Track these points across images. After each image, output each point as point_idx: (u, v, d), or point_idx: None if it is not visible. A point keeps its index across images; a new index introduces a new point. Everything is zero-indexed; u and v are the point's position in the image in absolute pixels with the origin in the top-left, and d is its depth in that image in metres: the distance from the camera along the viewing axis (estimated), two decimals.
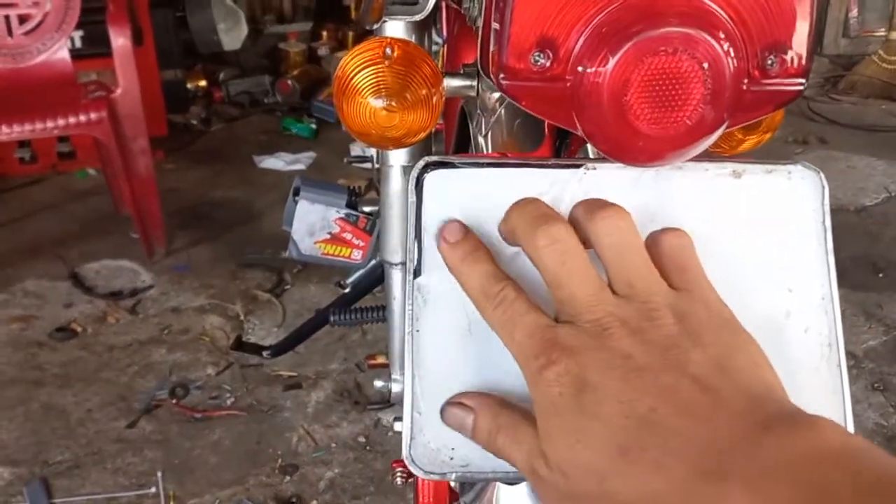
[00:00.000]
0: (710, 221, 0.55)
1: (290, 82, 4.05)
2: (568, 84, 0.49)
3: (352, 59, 0.63)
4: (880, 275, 2.42)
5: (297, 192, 1.78)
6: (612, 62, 0.47)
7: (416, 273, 0.55)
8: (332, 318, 1.42)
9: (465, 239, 0.50)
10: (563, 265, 0.44)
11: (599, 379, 0.40)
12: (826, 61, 4.75)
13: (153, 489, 1.64)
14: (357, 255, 1.78)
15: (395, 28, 0.87)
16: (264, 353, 1.91)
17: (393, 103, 0.63)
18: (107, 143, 2.43)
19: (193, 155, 3.55)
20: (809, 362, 0.51)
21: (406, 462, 0.51)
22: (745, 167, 0.57)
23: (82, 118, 2.36)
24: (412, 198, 0.56)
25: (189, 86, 4.00)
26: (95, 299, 2.41)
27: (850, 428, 0.53)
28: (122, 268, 2.59)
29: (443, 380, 0.53)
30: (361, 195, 1.72)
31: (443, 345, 0.53)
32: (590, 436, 0.39)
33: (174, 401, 1.92)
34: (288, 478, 1.68)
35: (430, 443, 0.52)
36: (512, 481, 0.58)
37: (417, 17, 0.74)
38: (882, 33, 4.48)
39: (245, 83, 4.13)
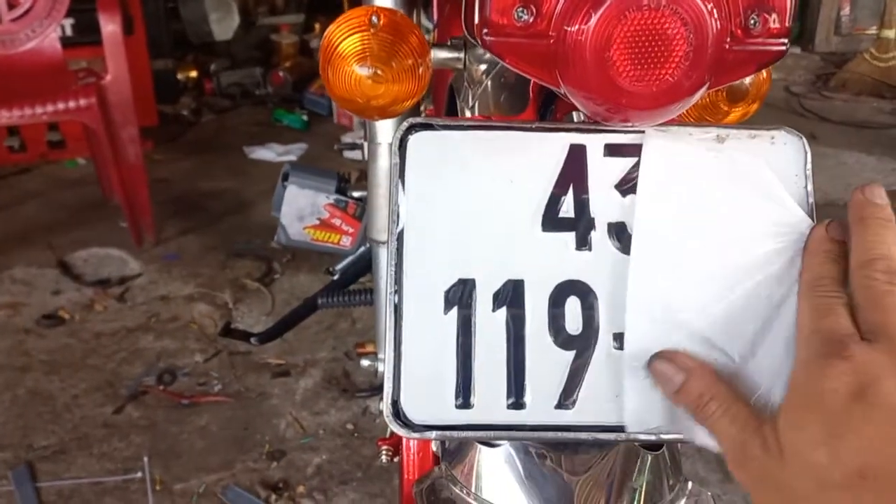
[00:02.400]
0: (694, 185, 0.55)
1: (281, 74, 4.04)
2: (551, 41, 0.49)
3: (338, 26, 0.62)
4: None
5: (286, 178, 1.78)
6: (594, 18, 0.46)
7: (399, 236, 0.54)
8: (320, 301, 1.42)
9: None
10: (890, 295, 0.43)
11: (880, 397, 0.39)
12: (818, 58, 4.77)
13: (139, 474, 1.63)
14: (346, 242, 1.77)
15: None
16: (252, 340, 1.90)
17: (379, 71, 0.62)
18: (96, 129, 2.42)
19: (183, 145, 3.54)
20: (786, 319, 0.51)
21: (388, 421, 0.51)
22: (729, 132, 0.57)
23: (71, 104, 2.35)
24: (395, 159, 0.56)
25: (180, 76, 3.98)
26: (83, 287, 2.39)
27: None
28: (111, 256, 2.58)
29: (425, 343, 0.53)
30: (351, 182, 1.72)
31: (424, 308, 0.53)
32: (841, 442, 0.38)
33: (161, 387, 1.91)
34: (275, 463, 1.67)
35: (413, 401, 0.52)
36: (492, 443, 0.58)
37: None
38: (873, 31, 4.50)
39: (236, 74, 4.11)
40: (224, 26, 3.99)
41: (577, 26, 0.47)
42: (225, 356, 2.03)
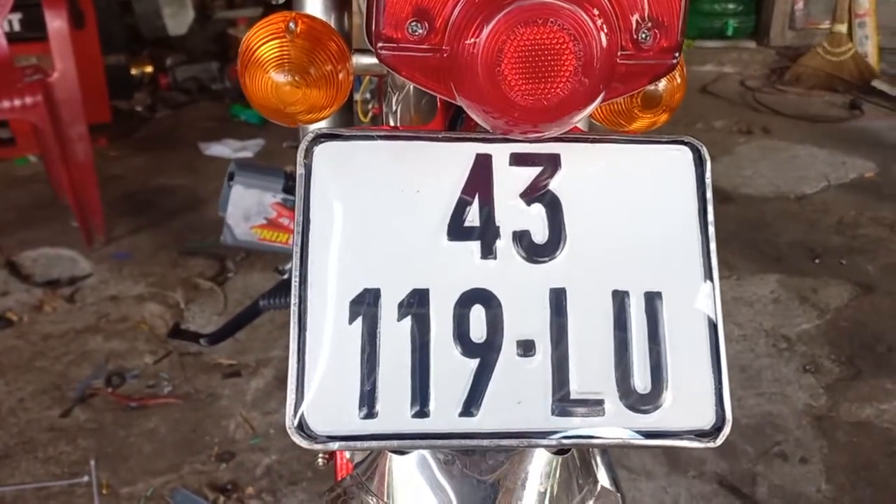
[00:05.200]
0: (592, 195, 0.56)
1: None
2: (445, 54, 0.49)
3: (256, 32, 0.62)
4: (816, 260, 2.47)
5: (231, 178, 1.77)
6: (485, 31, 0.47)
7: (303, 260, 0.54)
8: (261, 304, 1.42)
9: None
10: None
11: None
12: (773, 52, 4.83)
13: (86, 478, 1.61)
14: None
15: (313, 4, 0.86)
16: (201, 341, 1.88)
17: (296, 78, 0.62)
18: (43, 128, 2.38)
19: (138, 142, 3.49)
20: (680, 338, 0.52)
21: (290, 432, 0.52)
22: (629, 142, 0.58)
23: (17, 102, 2.30)
24: (300, 170, 0.56)
25: (134, 71, 3.92)
26: (32, 288, 2.35)
27: (727, 409, 0.54)
28: (61, 256, 2.53)
29: (329, 353, 0.53)
30: None
31: (328, 318, 0.54)
32: None
33: (109, 389, 1.89)
34: (224, 465, 1.66)
35: (316, 412, 0.52)
36: (401, 451, 0.58)
37: None
38: (826, 25, 4.57)
39: (193, 69, 4.07)
40: (178, 21, 3.94)
41: (469, 40, 0.47)
42: (175, 357, 2.01)
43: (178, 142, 3.47)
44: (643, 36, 0.50)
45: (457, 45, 0.48)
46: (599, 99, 0.50)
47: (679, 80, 0.73)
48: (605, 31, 0.48)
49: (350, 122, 0.83)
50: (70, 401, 1.85)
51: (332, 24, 0.92)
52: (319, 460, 0.97)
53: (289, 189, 1.82)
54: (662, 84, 0.66)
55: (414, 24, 0.48)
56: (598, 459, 0.73)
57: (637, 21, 0.49)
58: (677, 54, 0.51)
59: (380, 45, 0.49)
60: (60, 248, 2.56)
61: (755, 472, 1.62)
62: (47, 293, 2.32)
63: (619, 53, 0.49)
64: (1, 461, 1.67)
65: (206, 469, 1.66)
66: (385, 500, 0.58)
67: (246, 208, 1.68)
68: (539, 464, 0.58)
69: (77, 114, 2.50)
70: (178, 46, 4.16)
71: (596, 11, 0.47)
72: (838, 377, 1.92)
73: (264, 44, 0.62)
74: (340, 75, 0.64)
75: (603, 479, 0.69)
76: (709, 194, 0.57)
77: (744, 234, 2.63)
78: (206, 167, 3.21)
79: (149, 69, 4.00)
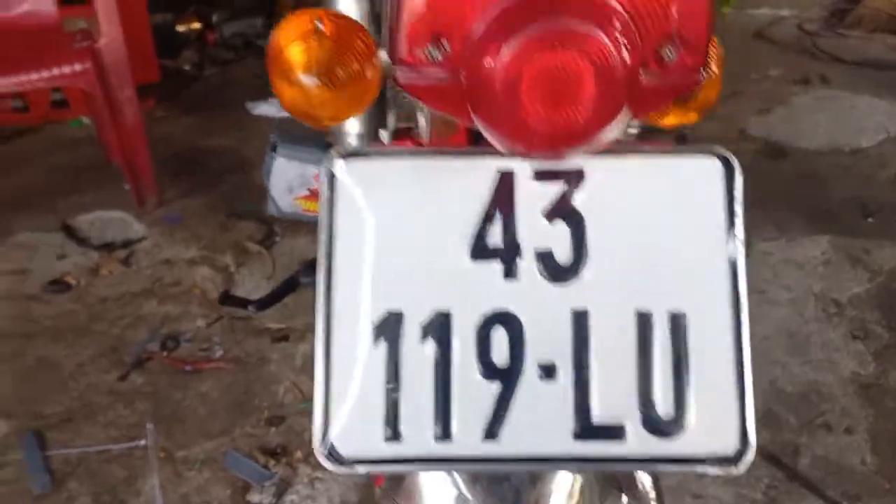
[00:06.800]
0: (616, 211, 0.55)
1: None
2: (462, 78, 0.49)
3: (282, 31, 0.62)
4: (870, 219, 2.40)
5: (274, 149, 1.78)
6: (504, 56, 0.46)
7: (328, 269, 0.55)
8: (302, 280, 1.44)
9: None
10: None
11: None
12: None
13: (143, 441, 1.68)
14: None
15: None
16: (250, 308, 1.92)
17: (323, 81, 0.62)
18: (93, 93, 2.42)
19: (186, 101, 3.53)
20: (705, 362, 0.52)
21: (318, 456, 0.53)
22: (656, 154, 0.57)
23: (66, 69, 2.35)
24: (325, 192, 0.57)
25: (181, 29, 3.94)
26: (89, 251, 2.43)
27: (751, 435, 0.53)
28: (115, 219, 2.60)
29: (354, 377, 0.54)
30: None
31: (353, 342, 0.54)
32: None
33: (164, 353, 1.96)
34: (274, 429, 1.72)
35: (343, 436, 0.54)
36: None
37: None
38: None
39: (239, 25, 4.06)
40: None
41: (486, 64, 0.47)
42: (226, 321, 2.07)
43: (226, 101, 3.49)
44: (668, 54, 0.48)
45: (474, 69, 0.47)
46: (625, 117, 0.49)
47: (715, 76, 0.71)
48: (628, 52, 0.46)
49: (382, 121, 0.83)
50: (127, 365, 1.93)
51: (361, 17, 0.91)
52: None
53: None
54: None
55: (432, 48, 0.48)
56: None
57: (660, 39, 0.48)
58: (702, 71, 0.49)
59: (398, 71, 0.49)
60: (114, 210, 2.62)
61: (798, 443, 1.61)
62: (103, 256, 2.40)
63: (641, 71, 0.48)
64: (65, 424, 1.76)
65: (257, 433, 1.71)
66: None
67: (289, 180, 1.70)
68: (563, 482, 0.59)
69: (125, 78, 2.53)
70: (222, 2, 4.16)
71: (618, 32, 0.46)
72: (887, 343, 1.88)
73: (291, 44, 0.62)
74: (368, 73, 0.63)
75: (631, 493, 0.70)
76: (738, 208, 0.56)
77: (796, 192, 2.56)
78: (253, 126, 3.23)
79: (196, 26, 4.01)
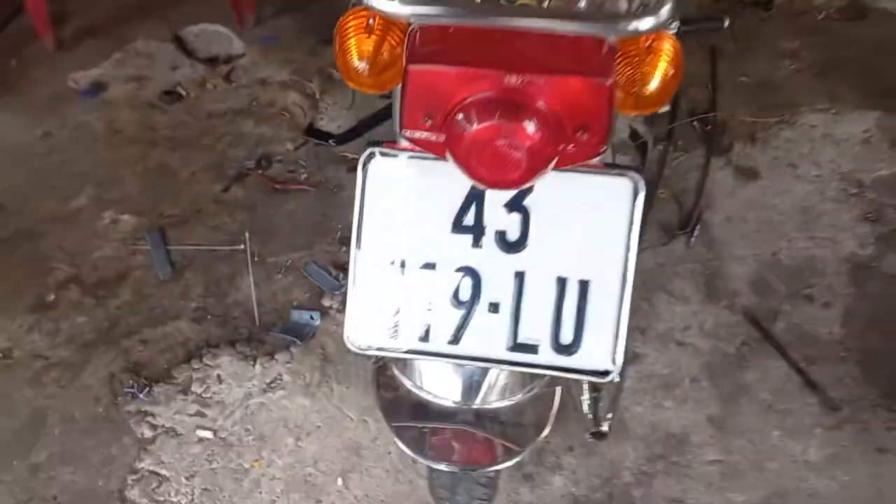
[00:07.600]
0: (552, 210, 0.83)
1: None
2: (444, 139, 0.75)
3: (345, 22, 0.88)
4: None
5: None
6: (468, 138, 0.73)
7: (358, 238, 0.86)
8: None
9: None
10: None
11: None
12: None
13: (242, 246, 2.09)
14: None
15: None
16: (330, 141, 2.25)
17: (371, 68, 0.88)
18: None
19: None
20: (597, 311, 0.81)
21: (346, 343, 0.87)
22: (585, 172, 0.83)
23: None
24: (360, 177, 0.86)
25: None
26: (196, 63, 2.73)
27: (618, 359, 0.84)
28: (219, 33, 2.87)
29: (372, 295, 0.86)
30: None
31: (374, 273, 0.86)
32: None
33: (259, 171, 2.32)
34: (345, 248, 2.09)
35: (359, 332, 0.87)
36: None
37: None
38: None
39: None
40: None
41: (456, 137, 0.73)
42: (311, 146, 2.39)
43: None
44: (580, 134, 0.73)
45: (450, 139, 0.74)
46: (549, 169, 0.75)
47: (671, 75, 0.92)
48: (552, 135, 0.72)
49: None
50: (229, 178, 2.31)
51: None
52: None
53: None
54: (656, 83, 0.87)
55: (426, 119, 0.74)
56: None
57: (575, 126, 0.73)
58: (605, 145, 0.74)
59: (405, 132, 0.76)
60: (218, 24, 2.88)
61: (779, 310, 1.88)
62: (208, 70, 2.71)
63: (562, 146, 0.74)
64: (182, 225, 2.17)
65: (331, 250, 2.10)
66: (406, 372, 0.95)
67: None
68: (500, 374, 0.92)
69: None
70: None
71: (542, 122, 0.71)
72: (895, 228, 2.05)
73: (350, 38, 0.88)
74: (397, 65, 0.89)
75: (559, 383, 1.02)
76: (637, 217, 0.82)
77: (862, 61, 2.56)
78: None
79: None
